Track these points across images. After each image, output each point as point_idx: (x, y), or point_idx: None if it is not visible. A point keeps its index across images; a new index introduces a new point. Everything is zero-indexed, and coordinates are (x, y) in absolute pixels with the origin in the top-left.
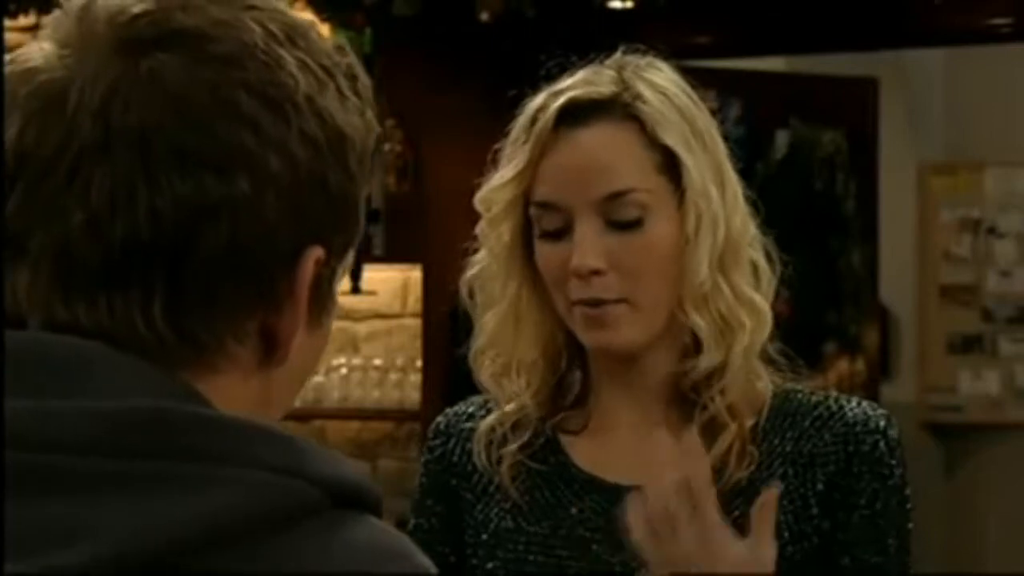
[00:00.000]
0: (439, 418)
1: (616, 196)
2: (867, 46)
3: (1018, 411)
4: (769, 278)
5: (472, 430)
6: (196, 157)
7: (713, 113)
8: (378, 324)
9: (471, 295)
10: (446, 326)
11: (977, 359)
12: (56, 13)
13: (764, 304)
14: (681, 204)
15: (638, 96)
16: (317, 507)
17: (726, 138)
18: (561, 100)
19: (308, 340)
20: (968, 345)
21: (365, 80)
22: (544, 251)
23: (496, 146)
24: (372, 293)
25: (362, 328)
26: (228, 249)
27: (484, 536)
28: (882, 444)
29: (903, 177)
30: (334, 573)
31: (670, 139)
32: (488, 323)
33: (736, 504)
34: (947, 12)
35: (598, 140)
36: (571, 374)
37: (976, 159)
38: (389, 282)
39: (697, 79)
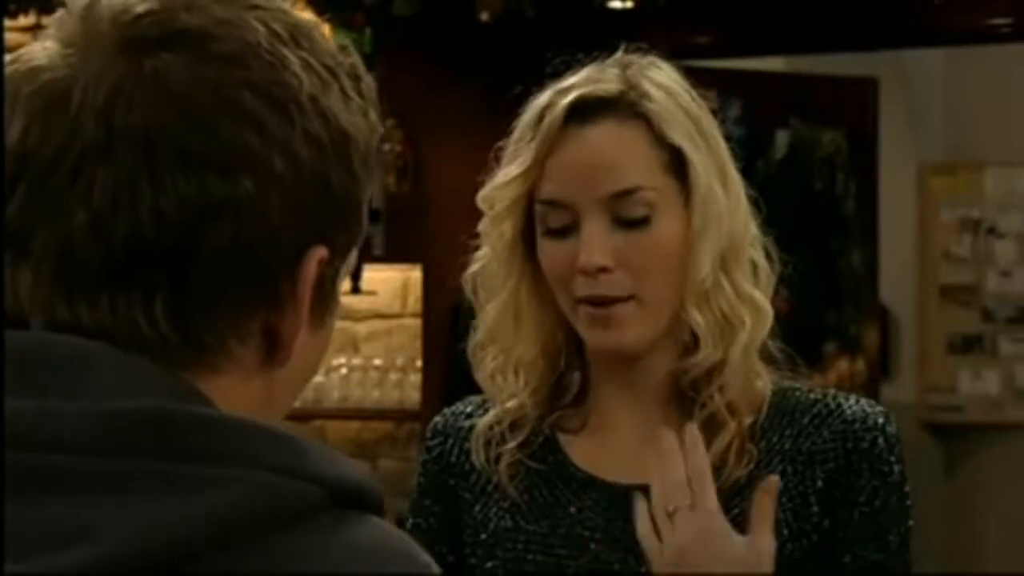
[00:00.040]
0: (437, 418)
1: (624, 194)
2: (867, 46)
3: (1018, 411)
4: (768, 276)
5: (470, 429)
6: (199, 157)
7: (714, 113)
8: (378, 324)
9: (474, 292)
10: (446, 326)
11: (977, 359)
12: (60, 12)
13: (765, 301)
14: (687, 203)
15: (644, 94)
16: (319, 507)
17: (728, 138)
18: (569, 97)
19: (311, 340)
20: (968, 345)
21: (368, 80)
22: (549, 249)
23: (498, 144)
24: (372, 293)
25: (362, 328)
26: (231, 249)
27: (483, 535)
28: (881, 441)
29: (903, 177)
30: (336, 573)
31: (677, 137)
32: (488, 319)
33: (735, 502)
34: (947, 12)
35: (606, 138)
36: (570, 373)
37: (976, 159)
38: (389, 282)
39: (697, 79)
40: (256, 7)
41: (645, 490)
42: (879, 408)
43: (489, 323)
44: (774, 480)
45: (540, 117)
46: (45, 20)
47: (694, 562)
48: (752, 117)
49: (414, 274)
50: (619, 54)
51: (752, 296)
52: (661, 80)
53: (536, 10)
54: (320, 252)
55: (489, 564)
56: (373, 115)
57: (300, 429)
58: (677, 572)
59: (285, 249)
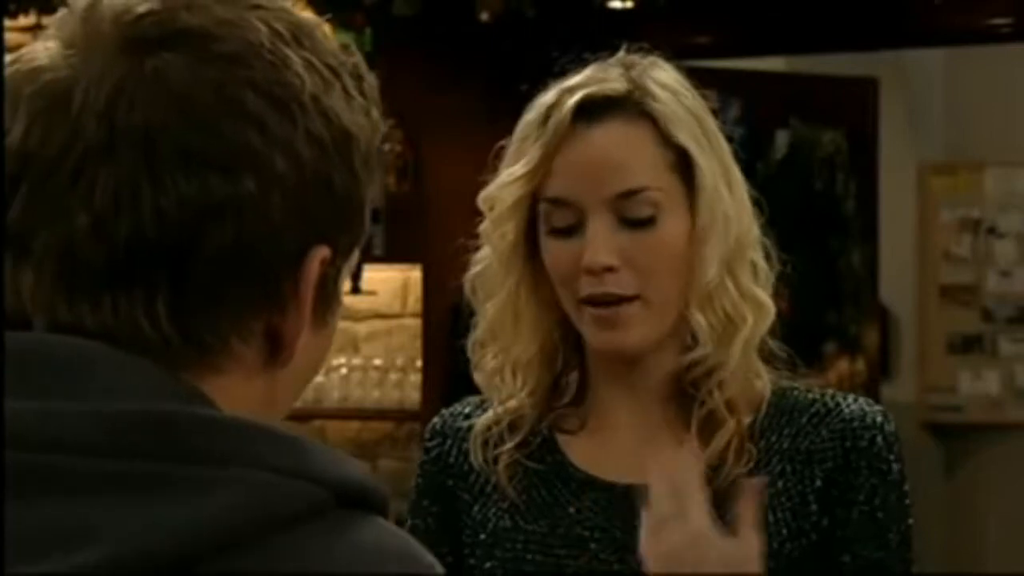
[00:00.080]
0: (435, 419)
1: (630, 194)
2: (867, 46)
3: (1018, 411)
4: (767, 276)
5: (468, 430)
6: (201, 157)
7: (714, 113)
8: (378, 324)
9: (474, 293)
10: (446, 326)
11: (977, 359)
12: (62, 12)
13: (767, 298)
14: (692, 203)
15: (650, 94)
16: (322, 507)
17: (729, 139)
18: (577, 96)
19: (313, 340)
20: (968, 345)
21: (371, 79)
22: (553, 248)
23: (499, 144)
24: (372, 293)
25: (362, 328)
26: (233, 249)
27: (482, 536)
28: (880, 439)
29: (903, 177)
30: (339, 574)
31: (683, 138)
32: (487, 319)
33: (734, 502)
34: (947, 12)
35: (612, 137)
36: (567, 373)
37: (976, 159)
38: (389, 282)
39: (697, 79)
40: (258, 7)
41: (645, 490)
42: (877, 407)
43: (488, 323)
44: (756, 482)
45: (546, 116)
46: (45, 20)
47: (684, 567)
48: (752, 117)
49: (414, 274)
50: (621, 54)
51: (755, 294)
52: (665, 80)
53: (536, 10)
54: (322, 252)
55: (488, 564)
56: (375, 114)
57: (300, 429)
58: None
59: (287, 249)
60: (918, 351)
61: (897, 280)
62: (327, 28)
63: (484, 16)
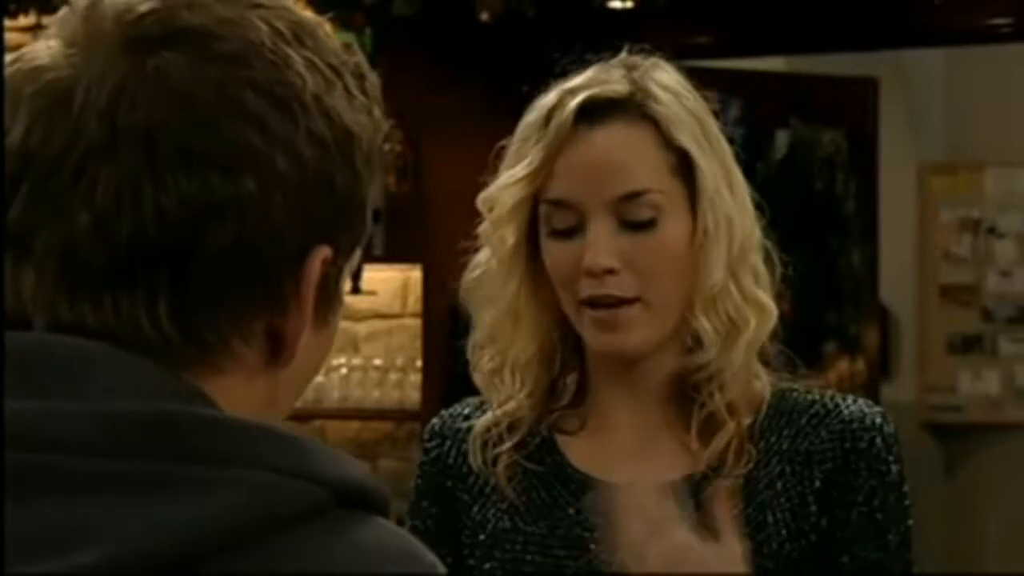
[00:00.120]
0: (434, 420)
1: (632, 196)
2: (867, 46)
3: (1018, 411)
4: (767, 279)
5: (468, 431)
6: (202, 156)
7: (716, 115)
8: (378, 324)
9: (470, 294)
10: (446, 326)
11: (977, 359)
12: (63, 10)
13: (769, 300)
14: (693, 205)
15: (652, 96)
16: (322, 508)
17: (730, 141)
18: (579, 98)
19: (314, 340)
20: (968, 345)
21: (373, 78)
22: (554, 249)
23: (500, 144)
24: (372, 293)
25: (362, 328)
26: (234, 249)
27: (481, 536)
28: (879, 440)
29: (903, 177)
30: (339, 574)
31: (684, 140)
32: (487, 320)
33: (733, 502)
34: (947, 12)
35: (614, 140)
36: (566, 375)
37: (976, 159)
38: (389, 282)
39: (697, 79)
40: (259, 5)
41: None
42: (877, 408)
43: (488, 324)
44: (721, 486)
45: (547, 118)
46: (45, 20)
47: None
48: (752, 117)
49: (414, 274)
50: (623, 55)
51: (757, 296)
52: (667, 82)
53: (536, 10)
54: (324, 252)
55: (487, 565)
56: (377, 113)
57: (300, 429)
58: None
59: (288, 249)
60: (918, 351)
61: (897, 280)
62: (328, 27)
63: (484, 16)
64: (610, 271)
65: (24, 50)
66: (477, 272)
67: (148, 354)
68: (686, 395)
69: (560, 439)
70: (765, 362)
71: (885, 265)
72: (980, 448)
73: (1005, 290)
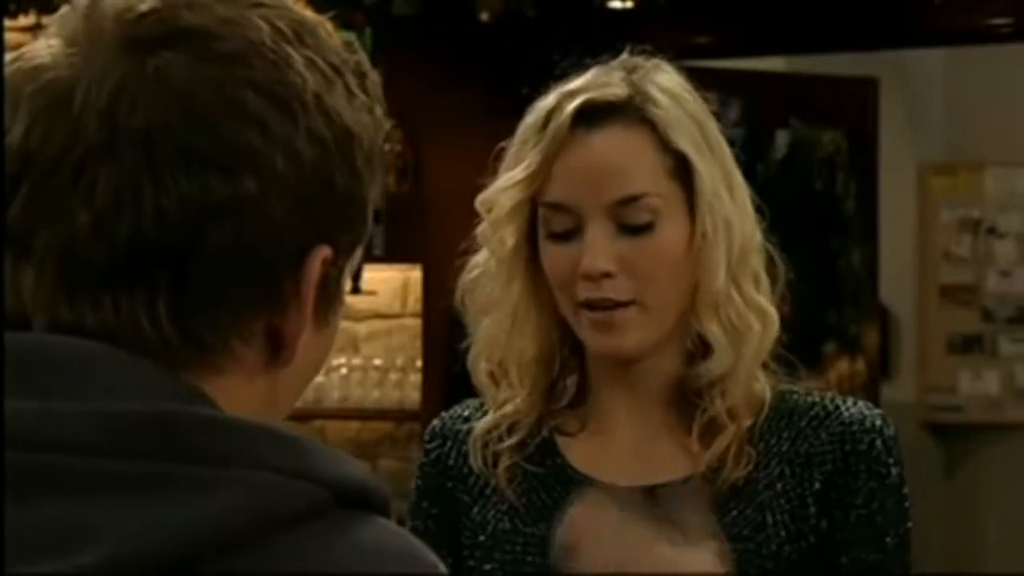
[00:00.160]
0: (435, 421)
1: (629, 200)
2: (867, 46)
3: (1018, 411)
4: (768, 284)
5: (468, 432)
6: (202, 156)
7: (717, 117)
8: (378, 324)
9: (467, 295)
10: (446, 326)
11: (977, 359)
12: (64, 9)
13: (771, 308)
14: (691, 208)
15: (651, 99)
16: (322, 508)
17: (731, 143)
18: (576, 102)
19: (315, 339)
20: (968, 345)
21: (374, 77)
22: (552, 252)
23: (500, 145)
24: (372, 293)
25: (362, 328)
26: (234, 249)
27: (481, 538)
28: (879, 443)
29: (903, 177)
30: (340, 574)
31: (682, 143)
32: (487, 324)
33: (733, 504)
34: (947, 12)
35: (612, 143)
36: (566, 376)
37: (976, 159)
38: (389, 282)
39: (697, 79)
40: (260, 5)
41: (644, 492)
42: (877, 411)
43: (487, 326)
44: (692, 489)
45: (546, 121)
46: (45, 20)
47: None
48: (752, 117)
49: (414, 274)
50: (624, 56)
51: (759, 303)
52: (667, 85)
53: (536, 10)
54: (324, 251)
55: (487, 566)
56: (379, 112)
57: (300, 429)
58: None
59: (288, 249)
60: (918, 351)
61: (897, 280)
62: (330, 25)
63: (484, 16)
64: (607, 275)
65: (24, 49)
66: (475, 273)
67: (148, 354)
68: (687, 399)
69: (560, 440)
70: (765, 364)
71: (885, 265)
72: (980, 448)
73: (1005, 290)
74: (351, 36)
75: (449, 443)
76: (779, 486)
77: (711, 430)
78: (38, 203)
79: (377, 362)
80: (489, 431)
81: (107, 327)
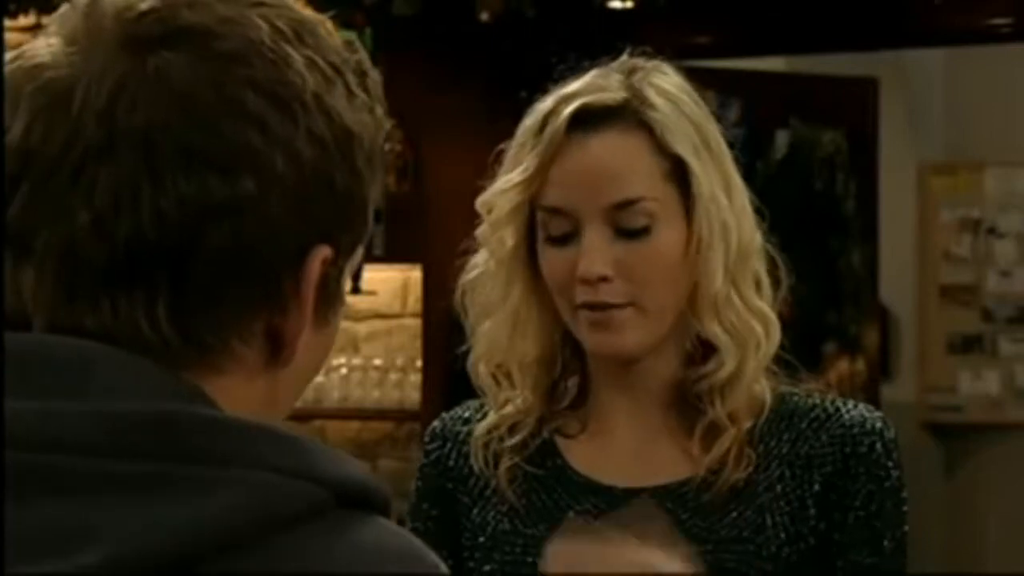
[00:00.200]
0: (435, 422)
1: (626, 204)
2: (867, 46)
3: (1018, 411)
4: (769, 287)
5: (468, 434)
6: (201, 156)
7: (718, 119)
8: (378, 324)
9: (467, 296)
10: (446, 326)
11: (977, 359)
12: (64, 7)
13: (772, 312)
14: (689, 212)
15: (648, 103)
16: (322, 508)
17: (730, 145)
18: (573, 106)
19: (315, 339)
20: (968, 345)
21: (375, 76)
22: (550, 256)
23: (500, 147)
24: (372, 293)
25: (362, 328)
26: (233, 249)
27: (481, 539)
28: (879, 446)
29: (903, 177)
30: (340, 574)
31: (679, 147)
32: (489, 327)
33: (733, 505)
34: (947, 12)
35: (608, 147)
36: (567, 378)
37: (976, 159)
38: (389, 282)
39: (697, 79)
40: (260, 4)
41: (644, 493)
42: (877, 413)
43: (488, 327)
44: (647, 501)
45: (543, 124)
46: (45, 20)
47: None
48: (752, 117)
49: (414, 274)
50: (624, 58)
51: (760, 308)
52: (665, 87)
53: (536, 10)
54: (324, 252)
55: (487, 567)
56: (379, 111)
57: (300, 429)
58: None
59: (288, 249)
60: (918, 351)
61: (897, 280)
62: (330, 25)
63: (484, 16)
64: (604, 279)
65: (24, 47)
66: (474, 273)
67: (147, 354)
68: (687, 401)
69: (561, 442)
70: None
71: (885, 265)
72: (980, 448)
73: (1005, 290)
74: (351, 36)
75: (449, 444)
76: (779, 488)
77: (712, 432)
78: (38, 203)
79: (377, 362)
80: (490, 431)
81: (106, 328)
